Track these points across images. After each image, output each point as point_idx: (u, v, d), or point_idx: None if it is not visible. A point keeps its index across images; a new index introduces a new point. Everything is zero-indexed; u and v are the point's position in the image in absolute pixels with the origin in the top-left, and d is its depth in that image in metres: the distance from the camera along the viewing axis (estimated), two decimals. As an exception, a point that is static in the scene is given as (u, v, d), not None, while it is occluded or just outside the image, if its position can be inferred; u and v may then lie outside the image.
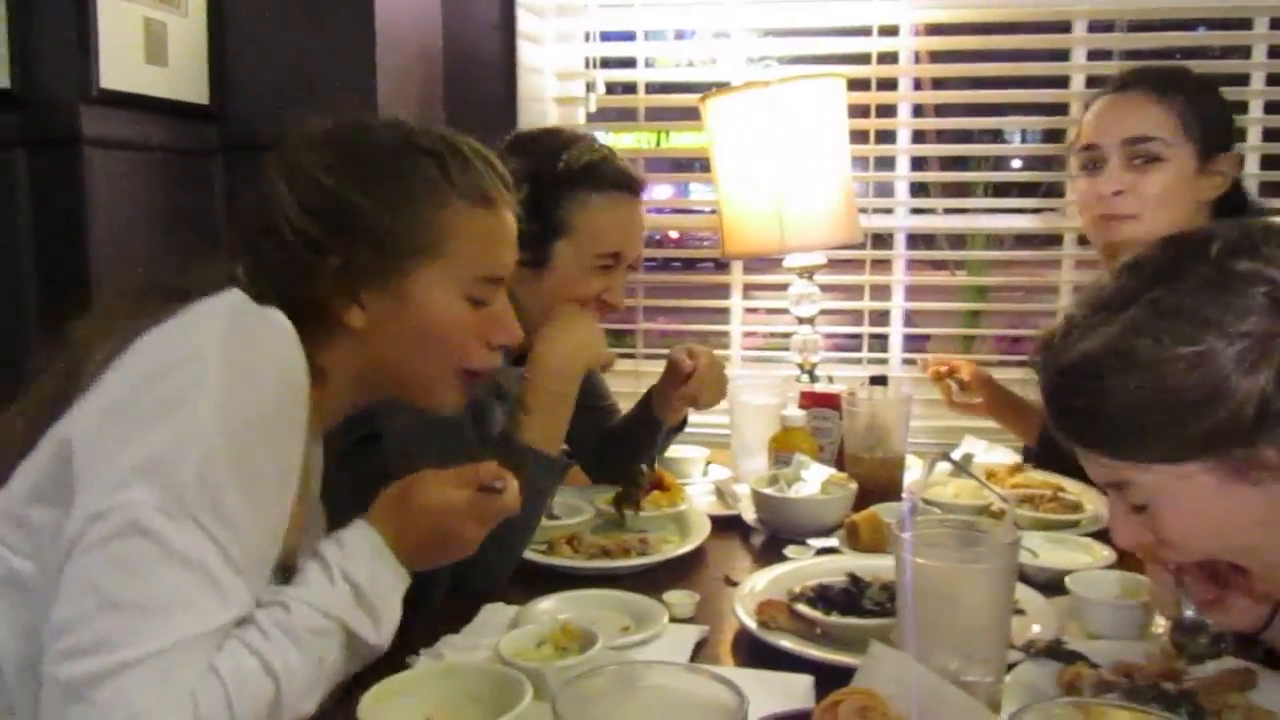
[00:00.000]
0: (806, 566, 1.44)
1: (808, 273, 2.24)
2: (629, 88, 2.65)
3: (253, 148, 1.29)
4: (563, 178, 1.60)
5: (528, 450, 1.46)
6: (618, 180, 1.64)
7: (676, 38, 2.68)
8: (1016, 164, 2.75)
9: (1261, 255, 0.91)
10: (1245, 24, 2.45)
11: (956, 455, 1.93)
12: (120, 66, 1.94)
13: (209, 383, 0.91)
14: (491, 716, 0.88)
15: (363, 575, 0.99)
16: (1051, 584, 1.33)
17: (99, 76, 1.89)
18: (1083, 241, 2.42)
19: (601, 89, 2.61)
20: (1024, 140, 3.53)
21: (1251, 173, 2.47)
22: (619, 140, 2.92)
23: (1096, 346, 0.95)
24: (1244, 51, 2.46)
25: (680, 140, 2.97)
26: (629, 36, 2.60)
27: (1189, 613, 1.09)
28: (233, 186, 2.22)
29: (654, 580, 1.45)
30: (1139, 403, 0.93)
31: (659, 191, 3.35)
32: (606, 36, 2.60)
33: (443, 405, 1.20)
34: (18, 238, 1.89)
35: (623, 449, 1.89)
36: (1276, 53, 2.44)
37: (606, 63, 2.63)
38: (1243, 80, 2.46)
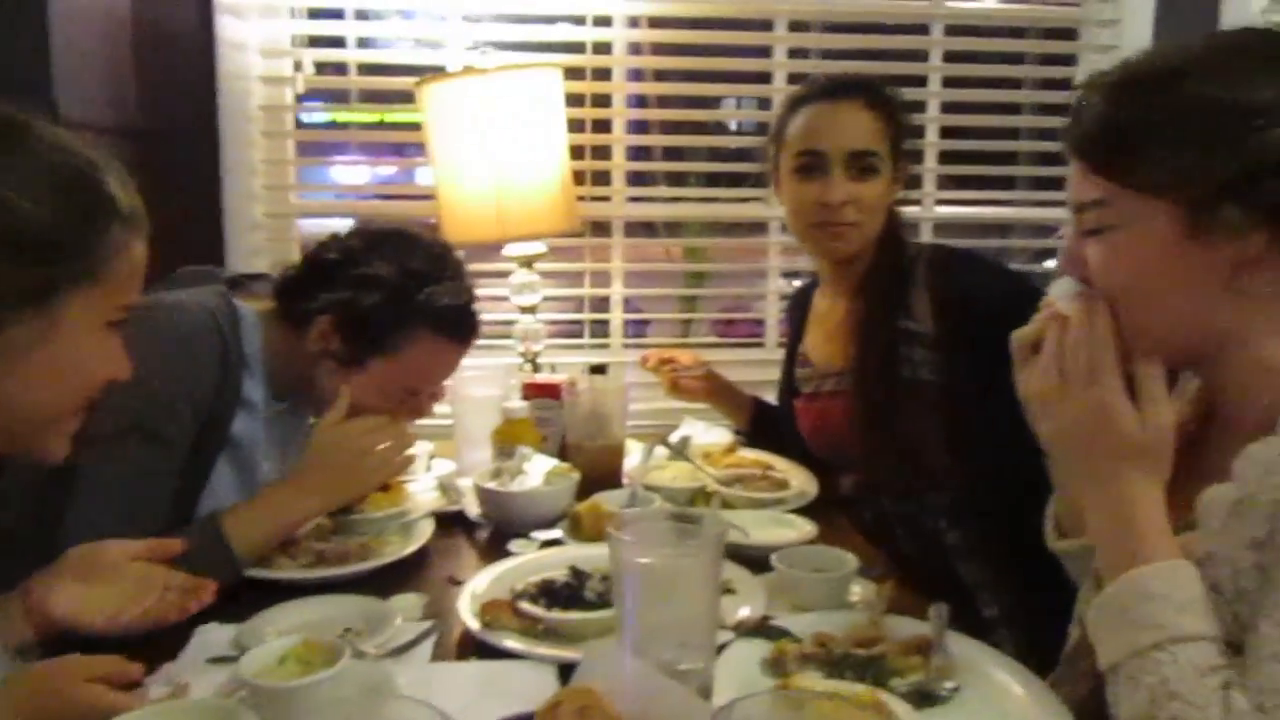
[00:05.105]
0: (529, 561, 1.45)
1: (528, 261, 2.24)
2: (340, 68, 2.54)
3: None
4: (417, 308, 1.57)
5: (217, 534, 1.39)
6: (462, 332, 1.64)
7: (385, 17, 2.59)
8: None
9: None
10: (923, 29, 2.68)
11: (676, 437, 2.00)
12: None
13: None
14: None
15: None
16: (762, 561, 1.39)
17: None
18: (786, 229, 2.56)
19: (310, 69, 2.48)
20: (739, 131, 3.68)
21: (930, 168, 2.71)
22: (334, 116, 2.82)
23: (1161, 64, 1.00)
24: (923, 55, 2.68)
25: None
26: (338, 15, 2.49)
27: None
28: None
29: (379, 584, 1.40)
30: (1163, 122, 0.97)
31: (382, 170, 3.24)
32: (314, 15, 2.48)
33: (55, 454, 1.11)
34: None
35: None
36: (952, 57, 2.68)
37: (315, 41, 2.51)
38: (921, 81, 2.68)
